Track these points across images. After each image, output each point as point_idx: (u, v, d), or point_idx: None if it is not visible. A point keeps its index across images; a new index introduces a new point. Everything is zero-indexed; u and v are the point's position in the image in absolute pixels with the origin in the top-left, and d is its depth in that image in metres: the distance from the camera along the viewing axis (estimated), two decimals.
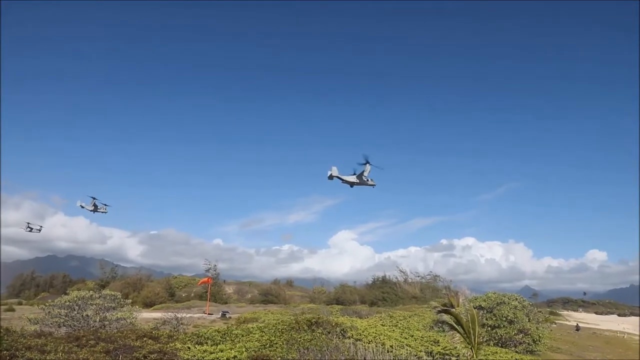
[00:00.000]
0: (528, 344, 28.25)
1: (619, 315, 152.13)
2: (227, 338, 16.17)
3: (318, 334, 16.78)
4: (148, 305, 65.55)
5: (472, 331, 16.58)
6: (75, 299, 22.28)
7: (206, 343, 14.75)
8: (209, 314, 51.37)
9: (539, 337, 29.28)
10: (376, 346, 13.02)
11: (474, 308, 20.56)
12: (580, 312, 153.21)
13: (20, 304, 66.83)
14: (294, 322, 19.36)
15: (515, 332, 28.30)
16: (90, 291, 24.72)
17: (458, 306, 25.43)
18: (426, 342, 18.87)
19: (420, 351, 15.59)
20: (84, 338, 13.05)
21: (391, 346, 15.23)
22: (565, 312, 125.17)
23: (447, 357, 15.20)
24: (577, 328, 60.86)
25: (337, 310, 46.51)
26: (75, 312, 21.38)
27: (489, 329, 28.53)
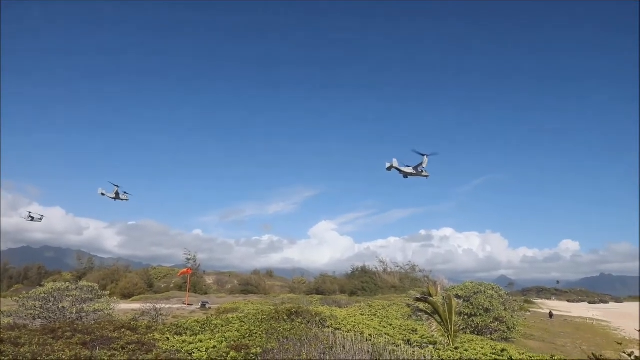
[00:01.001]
0: (503, 331, 29.02)
1: (589, 302, 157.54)
2: (207, 328, 16.15)
3: (297, 324, 16.90)
4: (126, 296, 64.79)
5: (449, 319, 16.94)
6: (50, 290, 21.84)
7: (185, 333, 14.69)
8: (188, 304, 51.14)
9: (514, 324, 30.10)
10: (355, 335, 13.17)
11: (452, 297, 20.97)
12: (554, 300, 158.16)
13: None
14: (273, 312, 19.45)
15: (491, 320, 29.02)
16: (67, 282, 24.26)
17: (436, 295, 25.91)
18: (404, 330, 19.17)
19: (399, 339, 15.84)
20: (60, 330, 12.83)
21: (370, 335, 15.43)
22: (539, 301, 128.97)
23: (424, 345, 15.47)
24: (551, 315, 62.87)
25: (316, 300, 46.84)
26: (51, 304, 20.98)
27: (466, 317, 29.16)
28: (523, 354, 14.47)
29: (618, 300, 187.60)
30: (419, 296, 20.12)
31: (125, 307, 35.62)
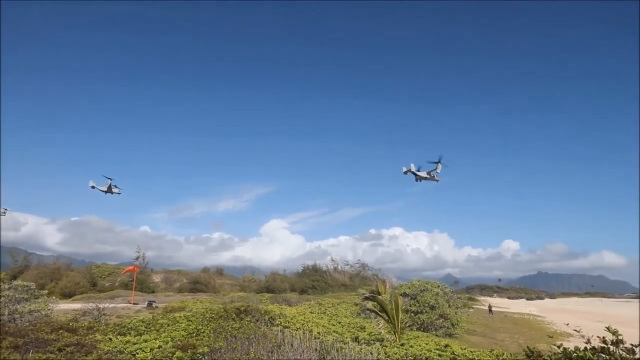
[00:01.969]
0: (447, 327, 30.11)
1: (527, 299, 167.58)
2: (152, 328, 15.70)
3: (246, 322, 16.77)
4: (67, 295, 61.68)
5: (395, 317, 17.39)
6: None
7: (129, 333, 14.23)
8: (134, 303, 49.63)
9: (457, 321, 31.32)
10: (304, 333, 13.25)
11: (399, 295, 21.53)
12: (495, 297, 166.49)
13: None
14: (222, 310, 19.20)
15: (436, 317, 30.02)
16: None
17: (384, 293, 26.50)
18: (353, 328, 19.49)
19: (347, 337, 16.08)
20: None
21: (318, 333, 15.57)
22: (482, 298, 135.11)
23: (372, 342, 15.80)
24: (490, 310, 66.66)
25: (267, 299, 46.70)
26: None
27: (413, 314, 30.01)
28: (465, 348, 15.08)
29: (552, 296, 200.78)
30: (367, 295, 20.48)
31: (66, 307, 34.02)
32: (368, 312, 26.62)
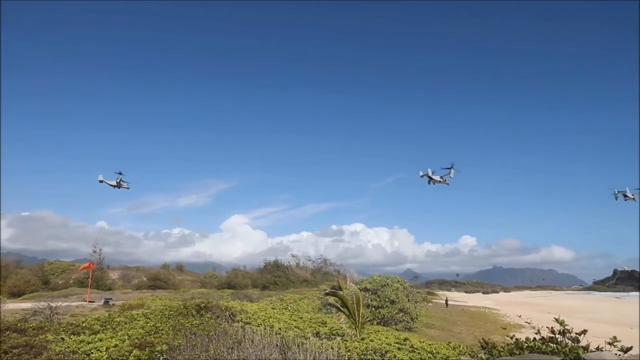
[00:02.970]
0: (407, 321, 30.81)
1: (483, 293, 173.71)
2: (108, 326, 15.22)
3: (207, 319, 16.54)
4: (16, 295, 58.99)
5: (356, 312, 17.61)
6: None
7: (83, 333, 13.71)
8: (89, 301, 48.20)
9: (417, 315, 32.11)
10: (265, 329, 13.21)
11: (360, 290, 21.82)
12: (453, 291, 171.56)
13: None
14: (182, 307, 18.85)
15: (396, 311, 30.65)
16: None
17: (346, 289, 26.76)
18: (314, 323, 19.58)
19: (308, 332, 16.15)
20: None
21: (280, 328, 15.56)
22: (441, 292, 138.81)
23: (332, 337, 15.94)
24: (446, 303, 68.97)
25: (228, 295, 46.35)
26: None
27: (373, 309, 30.50)
28: (423, 341, 15.44)
29: (507, 290, 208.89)
30: (328, 290, 20.64)
31: (14, 307, 32.63)
32: (329, 307, 26.84)
